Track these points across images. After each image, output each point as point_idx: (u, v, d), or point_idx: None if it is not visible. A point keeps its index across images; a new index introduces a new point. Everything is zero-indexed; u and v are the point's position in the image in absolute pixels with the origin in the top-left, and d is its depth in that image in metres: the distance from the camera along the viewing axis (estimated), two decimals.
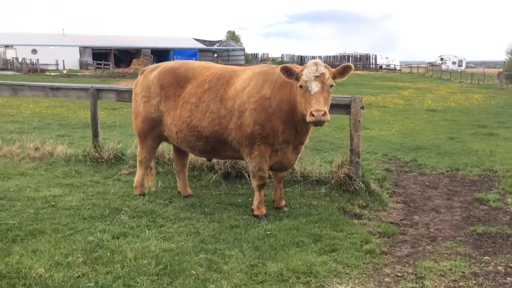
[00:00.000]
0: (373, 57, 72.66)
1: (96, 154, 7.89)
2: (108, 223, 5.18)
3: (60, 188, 6.55)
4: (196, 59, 58.95)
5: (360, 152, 6.45)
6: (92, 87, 7.98)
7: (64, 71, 47.76)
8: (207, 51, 64.92)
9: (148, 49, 60.77)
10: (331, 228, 5.15)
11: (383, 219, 5.81)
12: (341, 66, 5.10)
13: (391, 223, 5.70)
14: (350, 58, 72.77)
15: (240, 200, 6.11)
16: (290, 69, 4.93)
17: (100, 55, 58.74)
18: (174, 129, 5.63)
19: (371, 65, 71.30)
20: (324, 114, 4.65)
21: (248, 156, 5.34)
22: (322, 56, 73.06)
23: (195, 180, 7.01)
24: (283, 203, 5.87)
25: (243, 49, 68.17)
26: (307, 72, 4.83)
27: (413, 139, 11.74)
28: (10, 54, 54.24)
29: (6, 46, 55.48)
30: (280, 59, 69.67)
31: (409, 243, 5.05)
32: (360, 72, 61.51)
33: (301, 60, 69.44)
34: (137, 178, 6.25)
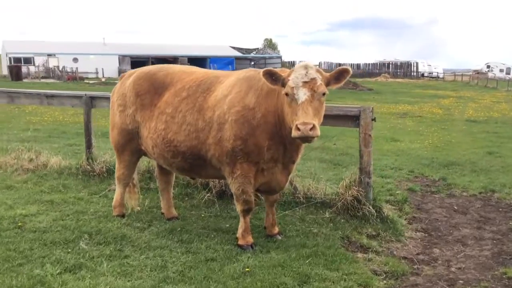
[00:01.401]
0: (415, 65, 70.23)
1: (88, 167, 7.32)
2: (68, 251, 4.52)
3: (38, 205, 5.98)
4: (233, 68, 58.79)
5: (371, 172, 5.53)
6: (85, 94, 7.42)
7: (103, 79, 48.51)
8: (244, 59, 64.58)
9: (185, 57, 61.00)
10: (324, 266, 4.27)
11: (395, 252, 4.89)
12: (336, 70, 4.25)
13: (404, 258, 4.77)
14: (391, 65, 70.73)
15: (228, 225, 5.32)
16: (274, 73, 4.13)
17: (138, 63, 59.40)
18: (150, 143, 4.93)
19: (413, 73, 68.92)
20: (313, 128, 3.82)
21: (230, 176, 4.56)
22: (361, 64, 71.37)
23: (186, 198, 6.29)
24: (276, 230, 5.04)
25: (280, 57, 67.42)
26: (294, 77, 4.02)
27: (447, 153, 10.59)
28: (52, 63, 55.69)
29: (49, 55, 57.06)
30: (318, 66, 68.54)
31: None
32: (400, 80, 59.56)
33: None
34: (115, 197, 5.59)
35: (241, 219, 4.73)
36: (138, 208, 5.93)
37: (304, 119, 3.83)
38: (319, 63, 71.15)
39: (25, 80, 44.73)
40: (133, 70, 5.40)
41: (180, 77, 4.91)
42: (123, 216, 5.51)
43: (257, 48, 71.91)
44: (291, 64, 68.14)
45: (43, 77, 50.50)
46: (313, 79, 4.01)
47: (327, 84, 4.15)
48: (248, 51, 69.16)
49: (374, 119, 5.43)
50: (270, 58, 67.38)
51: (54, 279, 3.86)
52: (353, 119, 5.50)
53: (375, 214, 5.42)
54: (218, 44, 73.47)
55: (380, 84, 47.73)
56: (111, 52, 59.76)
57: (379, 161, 9.46)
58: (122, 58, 59.98)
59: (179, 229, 5.14)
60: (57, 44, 60.56)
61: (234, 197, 4.67)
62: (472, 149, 11.21)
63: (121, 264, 4.23)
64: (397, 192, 7.06)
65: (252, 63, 66.91)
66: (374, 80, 56.42)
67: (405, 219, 5.91)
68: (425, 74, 69.46)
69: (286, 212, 5.73)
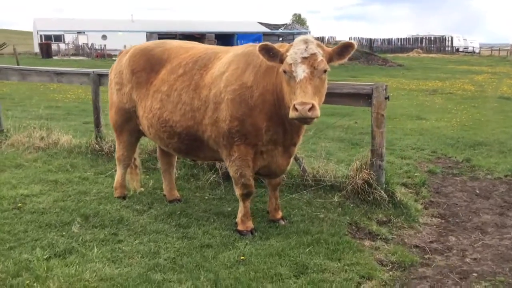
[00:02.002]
0: (449, 39, 67.53)
1: (97, 146, 7.22)
2: (62, 234, 4.39)
3: (42, 185, 5.90)
4: None
5: (383, 154, 5.17)
6: (93, 72, 7.25)
7: None
8: (272, 35, 63.63)
9: (212, 33, 60.51)
10: (325, 255, 3.99)
11: (406, 240, 4.57)
12: (339, 44, 3.88)
13: (415, 246, 4.45)
14: (424, 40, 68.23)
15: (230, 209, 5.09)
16: (271, 48, 3.80)
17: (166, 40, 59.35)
18: (145, 123, 4.71)
19: (447, 48, 66.36)
20: (312, 108, 3.49)
21: (227, 159, 4.30)
22: (393, 39, 69.13)
23: (192, 179, 6.09)
24: (279, 215, 4.78)
25: (308, 33, 66.28)
26: (292, 53, 3.68)
27: (474, 132, 10.01)
28: (82, 40, 56.18)
29: (79, 32, 57.60)
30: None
31: (429, 281, 3.79)
32: (433, 55, 57.45)
33: (370, 43, 66.15)
34: (116, 178, 5.43)
35: (241, 204, 4.49)
36: (142, 189, 5.77)
37: (303, 98, 3.51)
38: (349, 38, 69.43)
39: (55, 58, 45.41)
40: (131, 47, 5.15)
41: (177, 53, 4.64)
42: (124, 197, 5.36)
43: (286, 24, 70.61)
44: (320, 40, 66.82)
45: (72, 55, 51.16)
46: (313, 55, 3.66)
47: (330, 60, 3.80)
48: (276, 27, 68.04)
49: (387, 98, 5.04)
50: (299, 33, 66.09)
51: (40, 265, 3.71)
52: (365, 97, 5.13)
53: (386, 198, 5.08)
54: (246, 20, 72.56)
55: (411, 60, 46.17)
56: (139, 29, 59.83)
57: (401, 140, 9.03)
58: (149, 35, 59.99)
59: (178, 212, 4.95)
60: (86, 22, 61.07)
61: (233, 180, 4.42)
62: (502, 128, 10.57)
63: (113, 250, 4.07)
64: (415, 174, 6.66)
65: (280, 39, 65.90)
66: (406, 55, 54.64)
67: (421, 204, 5.55)
68: (460, 49, 66.79)
69: (293, 195, 5.45)
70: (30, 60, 37.24)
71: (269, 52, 3.77)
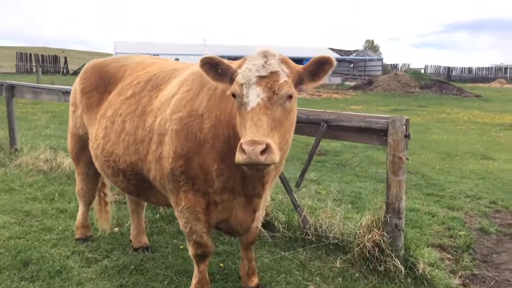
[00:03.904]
0: None
1: None
2: None
3: (11, 216, 5.26)
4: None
5: (401, 209, 3.89)
6: None
7: None
8: (342, 61, 62.20)
9: None
10: None
11: None
12: (312, 59, 2.75)
13: None
14: (509, 70, 63.41)
15: None
16: (218, 63, 2.76)
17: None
18: (92, 154, 3.83)
19: None
20: (265, 150, 2.40)
21: (175, 208, 3.29)
22: (473, 68, 64.80)
23: (175, 221, 5.11)
24: (254, 282, 3.66)
25: (381, 59, 63.55)
26: (245, 69, 2.63)
27: None
28: None
29: (154, 55, 59.91)
30: (423, 70, 63.59)
31: None
32: None
33: (448, 72, 62.50)
34: (78, 217, 4.61)
35: (195, 267, 3.44)
36: (116, 229, 4.92)
37: (253, 135, 2.44)
38: (425, 66, 66.18)
39: None
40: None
41: (133, 70, 3.75)
42: (84, 240, 4.51)
43: (357, 50, 68.82)
44: (393, 67, 64.34)
45: None
46: (274, 74, 2.59)
47: (299, 81, 2.71)
48: (348, 53, 66.47)
49: (408, 136, 3.79)
50: (370, 60, 64.15)
51: None
52: (380, 133, 3.92)
53: (403, 271, 3.78)
54: (317, 46, 71.81)
55: (492, 91, 42.61)
56: (211, 53, 61.06)
57: (455, 185, 7.51)
58: None
59: (132, 267, 3.99)
60: (161, 45, 63.33)
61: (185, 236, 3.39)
62: None
63: None
64: (460, 233, 5.23)
65: (352, 65, 64.26)
66: (487, 86, 50.75)
67: (458, 278, 4.17)
68: None
69: (285, 253, 4.30)
70: None
71: (215, 68, 2.74)
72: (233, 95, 2.63)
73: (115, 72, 3.83)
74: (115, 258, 4.18)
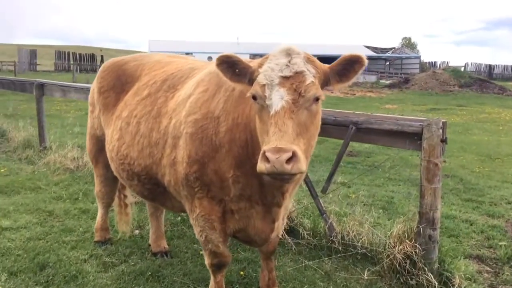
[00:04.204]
0: None
1: None
2: None
3: (34, 216, 5.22)
4: (365, 68, 55.65)
5: (436, 220, 3.58)
6: None
7: None
8: (378, 59, 60.96)
9: (317, 56, 59.69)
10: None
11: None
12: (340, 58, 2.50)
13: None
14: None
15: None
16: (237, 62, 2.53)
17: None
18: (108, 156, 3.69)
19: None
20: (291, 159, 2.15)
21: (190, 216, 3.11)
22: (507, 66, 62.21)
23: None
24: None
25: (419, 57, 61.93)
26: (268, 69, 2.40)
27: None
28: None
29: (187, 53, 60.34)
30: (463, 68, 61.46)
31: None
32: None
33: (490, 70, 60.19)
34: (97, 219, 4.50)
35: (211, 277, 3.25)
36: (137, 231, 4.81)
37: (278, 142, 2.20)
38: (465, 64, 64.02)
39: None
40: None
41: (151, 69, 3.59)
42: (103, 242, 4.41)
43: (393, 48, 67.29)
44: (432, 65, 62.51)
45: None
46: (299, 74, 2.35)
47: (325, 82, 2.47)
48: (384, 50, 65.04)
49: (445, 140, 3.48)
50: (407, 58, 62.62)
51: None
52: (413, 137, 3.62)
53: (436, 286, 3.48)
54: (352, 43, 70.66)
55: None
56: (243, 51, 60.95)
57: (496, 190, 7.06)
58: (253, 57, 60.86)
59: (149, 273, 3.84)
60: (194, 44, 63.95)
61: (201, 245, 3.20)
62: None
63: None
64: (501, 243, 4.85)
65: (387, 63, 62.91)
66: None
67: None
68: None
69: (310, 262, 4.06)
70: None
71: (233, 68, 2.53)
72: (254, 97, 2.40)
73: (133, 71, 3.68)
74: (132, 263, 4.05)
